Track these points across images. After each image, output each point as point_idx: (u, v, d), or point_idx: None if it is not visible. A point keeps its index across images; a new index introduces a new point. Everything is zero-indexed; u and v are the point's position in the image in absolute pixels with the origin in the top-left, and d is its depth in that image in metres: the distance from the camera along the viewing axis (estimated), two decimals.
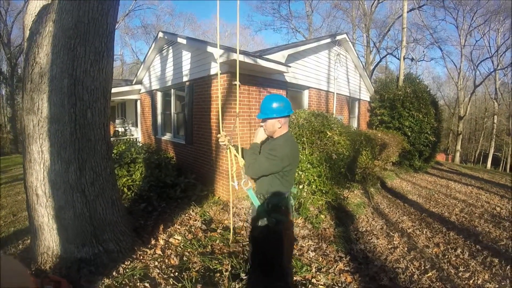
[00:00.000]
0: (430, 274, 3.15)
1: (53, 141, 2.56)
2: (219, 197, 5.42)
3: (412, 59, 23.42)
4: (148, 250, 3.16)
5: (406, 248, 3.83)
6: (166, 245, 3.35)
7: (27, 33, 2.74)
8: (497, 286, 2.97)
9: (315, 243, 3.78)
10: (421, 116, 9.39)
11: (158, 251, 3.16)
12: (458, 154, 23.03)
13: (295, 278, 2.83)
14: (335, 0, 25.25)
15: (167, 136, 7.96)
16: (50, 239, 2.68)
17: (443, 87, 34.80)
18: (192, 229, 3.87)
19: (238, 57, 2.85)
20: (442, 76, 45.77)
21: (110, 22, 2.77)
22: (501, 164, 27.03)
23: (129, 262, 2.88)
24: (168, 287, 2.55)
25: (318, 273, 3.01)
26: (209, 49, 5.25)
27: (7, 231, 3.93)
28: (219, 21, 2.87)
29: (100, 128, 2.82)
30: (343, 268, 3.18)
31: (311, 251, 3.51)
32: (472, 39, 24.58)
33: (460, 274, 3.18)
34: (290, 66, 5.94)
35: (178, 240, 3.48)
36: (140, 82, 9.37)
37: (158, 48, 7.92)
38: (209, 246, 3.41)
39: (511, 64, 22.03)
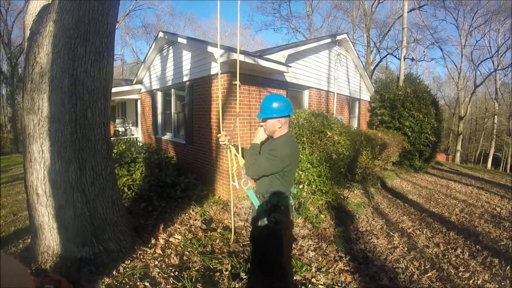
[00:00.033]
0: (430, 274, 3.15)
1: (53, 141, 2.56)
2: (219, 197, 5.43)
3: (412, 59, 23.48)
4: (148, 250, 3.16)
5: (406, 248, 3.83)
6: (166, 245, 3.35)
7: (28, 33, 2.74)
8: (497, 286, 2.97)
9: (315, 243, 3.78)
10: (421, 116, 9.39)
11: (158, 251, 3.17)
12: (458, 154, 23.02)
13: (295, 278, 2.84)
14: (336, 0, 25.27)
15: (167, 136, 7.96)
16: (50, 239, 2.68)
17: (444, 87, 34.84)
18: (192, 229, 3.88)
19: (238, 57, 2.86)
20: (442, 76, 45.82)
21: (110, 22, 2.77)
22: (502, 164, 27.04)
23: (129, 261, 2.89)
24: (168, 286, 2.56)
25: (318, 272, 3.01)
26: (209, 49, 5.25)
27: (7, 231, 3.93)
28: (220, 21, 2.87)
29: (101, 127, 2.82)
30: (343, 268, 3.18)
31: (311, 251, 3.51)
32: (472, 39, 24.60)
33: (460, 274, 3.18)
34: (290, 66, 5.94)
35: (178, 239, 3.49)
36: (140, 82, 9.37)
37: (158, 48, 7.92)
38: (209, 246, 3.41)
39: (511, 64, 22.03)
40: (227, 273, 2.80)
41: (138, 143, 7.90)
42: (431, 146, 9.90)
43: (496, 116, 24.34)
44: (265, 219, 2.13)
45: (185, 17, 55.73)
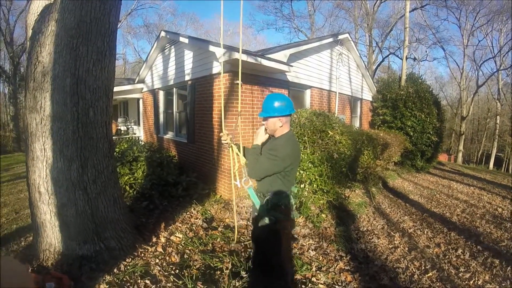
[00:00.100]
0: (430, 274, 3.15)
1: (55, 139, 2.58)
2: (220, 196, 5.44)
3: (414, 59, 23.42)
4: (149, 248, 3.18)
5: (406, 248, 3.83)
6: (167, 243, 3.36)
7: (30, 32, 2.76)
8: (497, 287, 2.96)
9: (315, 242, 3.79)
10: (423, 116, 9.36)
11: (159, 249, 3.18)
12: (460, 154, 22.94)
13: (295, 277, 2.84)
14: (338, 0, 25.21)
15: (169, 135, 7.98)
16: (52, 236, 2.70)
17: (446, 87, 34.71)
18: (193, 227, 3.89)
19: (240, 56, 2.86)
20: (444, 76, 45.68)
21: (112, 22, 2.79)
22: (504, 165, 26.92)
23: (130, 259, 2.91)
24: (169, 285, 2.57)
25: (318, 272, 3.02)
26: (211, 48, 5.26)
27: (9, 228, 3.96)
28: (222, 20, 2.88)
29: (102, 126, 2.84)
30: (343, 267, 3.18)
31: (312, 250, 3.52)
32: (475, 39, 24.46)
33: (460, 274, 3.17)
34: (292, 66, 5.94)
35: (179, 238, 3.50)
36: (142, 81, 9.40)
37: (160, 47, 7.94)
38: (210, 244, 3.43)
39: None
40: (227, 271, 2.81)
41: (140, 142, 7.93)
42: (433, 146, 9.87)
43: (498, 117, 24.23)
44: (266, 218, 2.13)
45: (187, 16, 55.56)
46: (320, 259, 3.33)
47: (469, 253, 3.67)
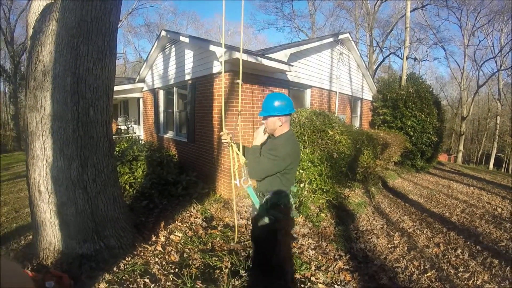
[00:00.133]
0: (429, 274, 3.16)
1: (55, 138, 2.59)
2: (220, 195, 5.45)
3: (415, 59, 23.37)
4: (148, 247, 3.19)
5: (406, 248, 3.84)
6: (166, 242, 3.37)
7: (31, 31, 2.76)
8: (496, 287, 2.97)
9: (315, 242, 3.79)
10: (423, 116, 9.36)
11: (159, 248, 3.19)
12: (460, 154, 22.93)
13: (294, 276, 2.85)
14: (338, 0, 25.19)
15: (169, 134, 7.99)
16: (52, 235, 2.71)
17: (446, 87, 34.68)
18: (193, 226, 3.90)
19: (241, 56, 2.87)
20: (445, 76, 45.54)
21: (112, 21, 2.79)
22: (504, 165, 26.90)
23: (129, 258, 2.92)
24: (168, 283, 2.58)
25: (317, 271, 3.02)
26: (212, 47, 5.26)
27: (9, 227, 3.97)
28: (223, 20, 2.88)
29: (103, 125, 2.84)
30: (342, 267, 3.19)
31: (311, 249, 3.53)
32: (475, 39, 24.43)
33: (459, 274, 3.18)
34: (292, 65, 5.94)
35: (179, 237, 3.51)
36: (142, 81, 9.40)
37: (161, 47, 7.94)
38: (210, 243, 3.43)
39: None
40: (226, 270, 2.82)
41: (140, 141, 7.94)
42: (433, 146, 9.87)
43: (498, 117, 24.19)
44: (266, 218, 2.14)
45: (188, 15, 55.76)
46: (320, 258, 3.33)
47: (468, 253, 3.68)
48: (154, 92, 8.54)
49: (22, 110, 20.89)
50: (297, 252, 3.43)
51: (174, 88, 7.37)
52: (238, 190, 5.25)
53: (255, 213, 2.29)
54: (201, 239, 3.50)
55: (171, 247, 3.27)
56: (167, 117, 8.25)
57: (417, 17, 24.78)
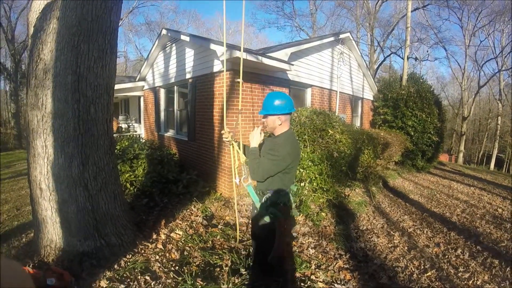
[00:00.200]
0: (429, 273, 3.16)
1: (56, 136, 2.59)
2: (220, 194, 5.45)
3: (416, 59, 23.30)
4: (149, 244, 3.19)
5: (406, 247, 3.84)
6: (167, 240, 3.38)
7: (31, 30, 2.77)
8: (496, 287, 2.97)
9: (315, 241, 3.80)
10: (424, 116, 9.35)
11: (159, 245, 3.20)
12: (461, 154, 22.91)
13: (294, 275, 2.85)
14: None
15: (170, 133, 8.00)
16: (53, 232, 2.72)
17: (447, 87, 34.62)
18: (194, 225, 3.91)
19: (242, 55, 2.87)
20: (446, 76, 45.45)
21: (113, 20, 2.80)
22: (504, 166, 26.85)
23: (130, 255, 2.93)
24: (169, 281, 2.58)
25: (317, 270, 3.03)
26: (212, 46, 5.26)
27: (11, 225, 3.98)
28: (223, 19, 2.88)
29: (103, 123, 2.85)
30: (342, 266, 3.19)
31: (311, 248, 3.53)
32: (476, 40, 24.44)
33: (459, 274, 3.18)
34: (292, 64, 5.94)
35: (179, 235, 3.52)
36: (143, 79, 9.41)
37: (161, 45, 7.94)
38: (210, 241, 3.44)
39: None
40: (227, 268, 2.83)
41: (140, 140, 7.95)
42: (434, 146, 9.87)
43: (499, 117, 24.14)
44: (266, 217, 2.14)
45: (189, 14, 55.66)
46: (320, 257, 3.34)
47: (468, 253, 3.68)
48: (155, 90, 8.54)
49: (23, 108, 20.93)
50: (297, 250, 3.43)
51: (175, 86, 7.38)
52: (238, 189, 5.26)
53: (255, 211, 2.30)
54: (201, 237, 3.50)
55: (171, 245, 3.28)
56: (167, 116, 8.25)
57: (418, 17, 24.78)
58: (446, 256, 3.61)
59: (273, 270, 2.33)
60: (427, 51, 25.28)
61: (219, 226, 3.95)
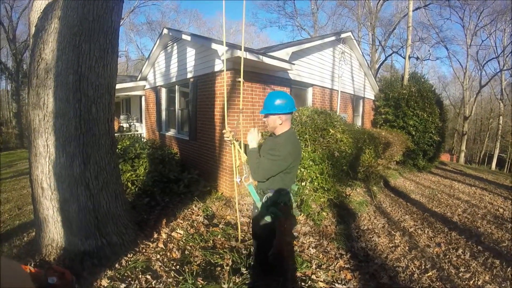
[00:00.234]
0: (430, 273, 3.16)
1: (58, 135, 2.60)
2: (222, 193, 5.46)
3: (417, 58, 23.32)
4: (150, 244, 3.20)
5: (407, 247, 3.83)
6: (168, 239, 3.39)
7: (33, 29, 2.77)
8: (497, 287, 2.96)
9: (316, 240, 3.80)
10: (425, 115, 9.33)
11: (160, 245, 3.21)
12: (462, 154, 22.86)
13: (295, 274, 2.86)
14: None
15: (171, 132, 8.00)
16: (54, 232, 2.73)
17: (449, 87, 34.52)
18: (195, 224, 3.91)
19: (243, 54, 2.87)
20: (447, 75, 45.44)
21: (114, 20, 2.80)
22: (506, 165, 26.76)
23: (131, 254, 2.93)
24: (169, 280, 2.59)
25: (318, 269, 3.03)
26: (214, 46, 5.26)
27: (12, 224, 4.00)
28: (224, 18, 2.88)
29: (105, 123, 2.86)
30: (343, 265, 3.19)
31: (312, 248, 3.53)
32: (478, 39, 24.36)
33: (460, 274, 3.17)
34: (294, 64, 5.93)
35: (180, 234, 3.52)
36: (144, 78, 9.42)
37: (163, 45, 7.95)
38: (211, 241, 3.45)
39: None
40: (227, 268, 2.83)
41: (142, 139, 7.97)
42: (435, 145, 9.84)
43: (501, 117, 24.09)
44: (267, 216, 2.15)
45: (190, 14, 55.62)
46: (320, 257, 3.34)
47: (469, 253, 3.67)
48: (156, 90, 8.55)
49: (25, 108, 20.94)
50: (298, 250, 3.43)
51: (176, 86, 7.38)
52: (239, 188, 5.26)
53: (256, 211, 2.30)
54: (202, 237, 3.51)
55: (172, 244, 3.28)
56: (169, 115, 8.26)
57: (420, 16, 24.74)
58: (447, 256, 3.60)
59: (274, 269, 2.33)
60: (429, 51, 25.36)
61: (220, 226, 3.95)
